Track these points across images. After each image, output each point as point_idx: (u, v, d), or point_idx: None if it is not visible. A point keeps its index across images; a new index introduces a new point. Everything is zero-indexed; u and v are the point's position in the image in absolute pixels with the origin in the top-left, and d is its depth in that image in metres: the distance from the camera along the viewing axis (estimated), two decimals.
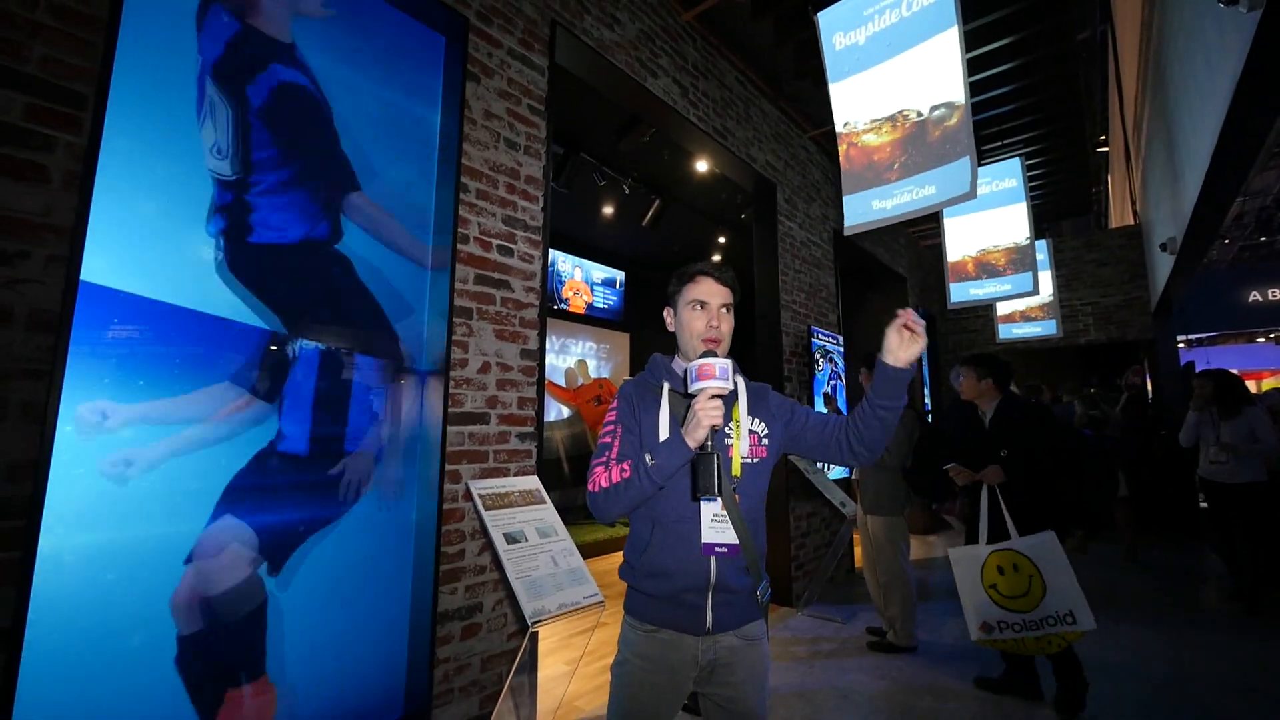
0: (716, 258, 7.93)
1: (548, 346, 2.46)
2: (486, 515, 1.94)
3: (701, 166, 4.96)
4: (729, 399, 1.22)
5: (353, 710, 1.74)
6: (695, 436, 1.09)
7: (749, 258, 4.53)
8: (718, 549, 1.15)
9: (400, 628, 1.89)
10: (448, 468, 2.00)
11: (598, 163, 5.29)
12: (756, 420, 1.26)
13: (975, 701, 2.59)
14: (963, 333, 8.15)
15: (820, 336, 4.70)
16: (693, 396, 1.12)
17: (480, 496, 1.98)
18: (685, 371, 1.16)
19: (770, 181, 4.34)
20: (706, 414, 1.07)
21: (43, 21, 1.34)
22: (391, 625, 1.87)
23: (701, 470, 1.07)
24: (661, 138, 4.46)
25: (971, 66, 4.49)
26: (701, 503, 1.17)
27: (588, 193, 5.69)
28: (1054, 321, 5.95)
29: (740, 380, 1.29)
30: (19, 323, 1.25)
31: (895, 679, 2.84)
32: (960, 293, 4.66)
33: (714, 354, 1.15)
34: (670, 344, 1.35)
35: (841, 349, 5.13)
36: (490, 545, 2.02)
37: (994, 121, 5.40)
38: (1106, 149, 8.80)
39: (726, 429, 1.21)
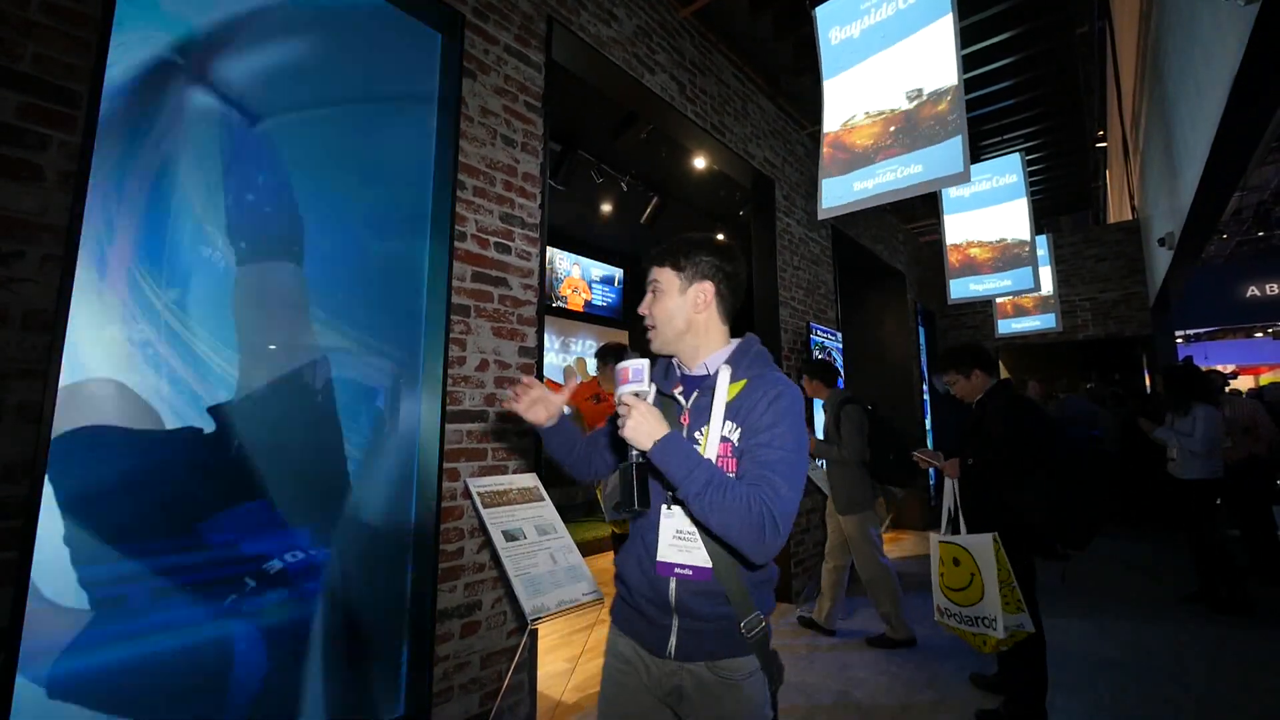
0: None
1: (546, 344, 2.45)
2: (485, 513, 1.94)
3: (700, 163, 4.95)
4: (708, 397, 1.07)
5: (353, 708, 1.74)
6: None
7: (748, 254, 4.52)
8: (678, 570, 1.02)
9: (400, 625, 1.89)
10: (446, 466, 1.99)
11: (595, 160, 5.28)
12: (735, 426, 1.04)
13: (975, 698, 2.60)
14: (961, 329, 8.15)
15: (819, 333, 4.70)
16: (666, 394, 1.10)
17: (479, 494, 1.98)
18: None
19: (769, 178, 4.33)
20: (621, 422, 0.96)
21: (35, 19, 1.33)
22: (391, 623, 1.87)
23: (621, 483, 0.97)
24: (659, 135, 4.45)
25: (971, 61, 4.50)
26: (661, 515, 1.05)
27: (586, 190, 5.68)
28: (1053, 315, 5.96)
29: (724, 371, 1.06)
30: (14, 323, 1.25)
31: (895, 674, 2.84)
32: (960, 289, 4.66)
33: (633, 354, 1.04)
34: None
35: (840, 345, 5.13)
36: (489, 543, 2.02)
37: (993, 117, 5.40)
38: (1105, 144, 8.80)
39: (698, 432, 1.06)
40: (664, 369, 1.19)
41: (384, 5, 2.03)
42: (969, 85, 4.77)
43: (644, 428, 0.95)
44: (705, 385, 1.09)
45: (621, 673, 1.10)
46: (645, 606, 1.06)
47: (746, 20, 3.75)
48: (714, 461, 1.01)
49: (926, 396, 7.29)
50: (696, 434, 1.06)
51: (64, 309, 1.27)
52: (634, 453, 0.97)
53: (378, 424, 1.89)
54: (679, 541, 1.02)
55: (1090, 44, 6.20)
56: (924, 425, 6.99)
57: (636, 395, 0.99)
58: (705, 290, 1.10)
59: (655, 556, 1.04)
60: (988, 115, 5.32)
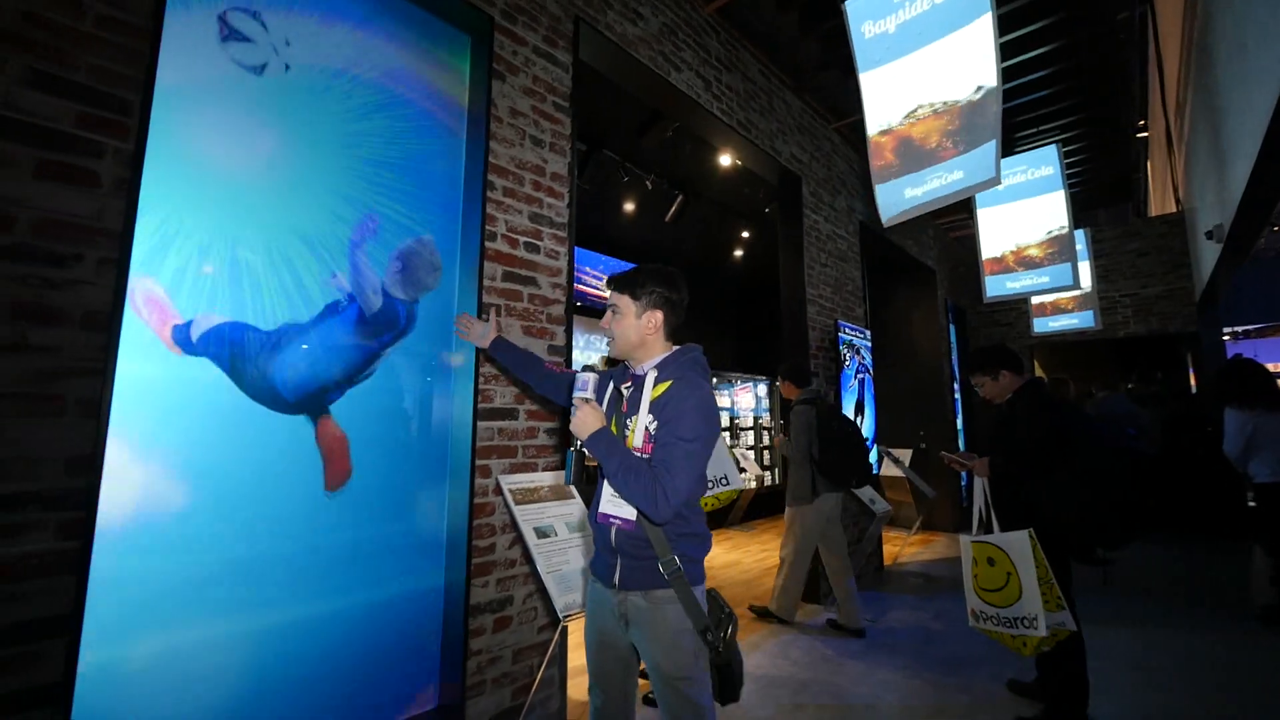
0: (739, 253, 7.88)
1: (572, 343, 2.47)
2: (517, 510, 1.96)
3: (725, 160, 4.92)
4: (638, 393, 1.38)
5: (390, 700, 1.78)
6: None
7: (774, 252, 4.48)
8: (612, 519, 1.34)
9: (434, 620, 1.93)
10: (478, 463, 2.02)
11: (620, 159, 5.29)
12: (652, 418, 1.34)
13: (1013, 704, 2.54)
14: (994, 326, 7.95)
15: (847, 331, 4.64)
16: (619, 387, 1.45)
17: (510, 491, 2.00)
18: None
19: (795, 174, 4.28)
20: (572, 418, 1.32)
21: (91, 32, 1.38)
22: (425, 617, 1.90)
23: (567, 464, 1.37)
24: (684, 133, 4.44)
25: (1006, 50, 4.37)
26: (604, 479, 1.35)
27: (610, 190, 5.70)
28: (1092, 313, 5.77)
29: (651, 375, 1.38)
30: (74, 322, 1.30)
31: (927, 679, 2.79)
32: (996, 286, 4.54)
33: (591, 368, 1.44)
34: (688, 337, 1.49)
35: (869, 343, 5.05)
36: (520, 539, 2.04)
37: (1029, 107, 5.25)
38: (1146, 134, 8.47)
39: (630, 419, 1.37)
40: (622, 369, 1.51)
41: (414, 9, 2.06)
42: (1005, 75, 4.65)
43: (582, 424, 1.31)
44: (640, 383, 1.40)
45: (595, 602, 1.44)
46: (600, 547, 1.41)
47: (772, 15, 3.71)
48: (641, 444, 1.32)
49: (958, 396, 7.13)
50: (629, 420, 1.38)
51: (119, 309, 1.32)
52: (577, 441, 1.33)
53: (410, 422, 1.92)
54: (614, 499, 1.33)
55: (1131, 30, 5.97)
56: (955, 425, 6.83)
57: (585, 400, 1.33)
58: (655, 317, 1.42)
59: (599, 509, 1.36)
60: (1023, 106, 5.17)
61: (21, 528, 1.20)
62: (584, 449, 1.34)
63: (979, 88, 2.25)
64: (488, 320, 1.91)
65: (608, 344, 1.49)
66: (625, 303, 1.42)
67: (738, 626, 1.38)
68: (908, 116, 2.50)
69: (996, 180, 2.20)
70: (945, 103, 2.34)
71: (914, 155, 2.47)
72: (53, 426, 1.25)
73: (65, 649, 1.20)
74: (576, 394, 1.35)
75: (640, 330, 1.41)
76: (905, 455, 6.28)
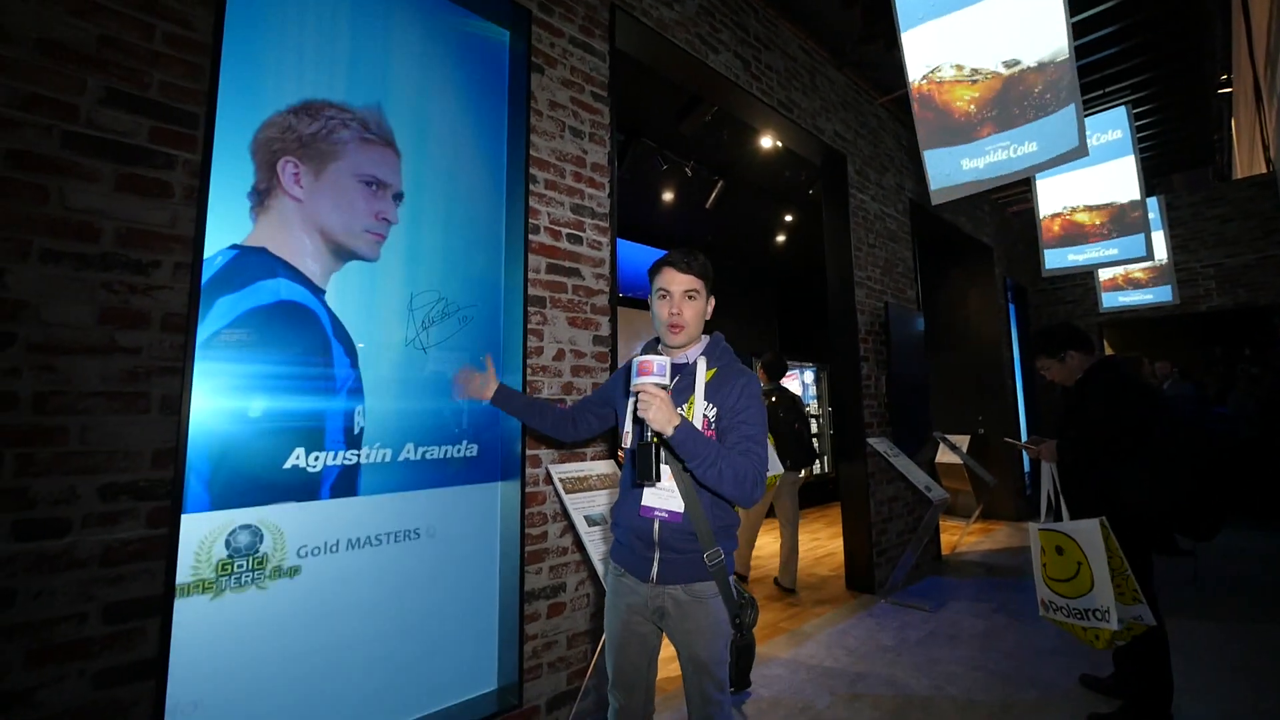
0: (782, 237, 7.71)
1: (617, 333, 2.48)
2: (567, 498, 1.99)
3: (766, 143, 4.81)
4: (688, 380, 1.37)
5: (449, 682, 1.85)
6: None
7: (818, 235, 4.36)
8: (657, 513, 1.32)
9: (490, 605, 1.98)
10: (528, 452, 2.06)
11: (658, 147, 5.25)
12: (711, 405, 1.35)
13: (1087, 700, 2.42)
14: (1059, 304, 7.50)
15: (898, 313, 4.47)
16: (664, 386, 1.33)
17: (560, 480, 2.04)
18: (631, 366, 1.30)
19: (839, 153, 4.14)
20: (644, 409, 1.20)
21: (160, 50, 1.47)
22: (482, 602, 1.96)
23: (640, 460, 1.22)
24: (723, 117, 4.36)
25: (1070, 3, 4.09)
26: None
27: (650, 178, 5.66)
28: (1169, 287, 5.36)
29: (701, 361, 1.39)
30: (155, 325, 1.39)
31: (992, 671, 2.69)
32: (1057, 259, 4.27)
33: (656, 350, 1.35)
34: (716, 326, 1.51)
35: (922, 327, 4.86)
36: (571, 527, 2.07)
37: (1095, 67, 4.89)
38: (1230, 90, 7.76)
39: (680, 408, 1.34)
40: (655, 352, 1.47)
41: (454, 7, 2.09)
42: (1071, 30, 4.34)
43: (663, 415, 1.21)
44: (686, 371, 1.40)
45: (621, 597, 1.41)
46: (634, 543, 1.37)
47: None
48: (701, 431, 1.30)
49: (1019, 378, 6.79)
50: (680, 408, 1.35)
51: (194, 312, 1.41)
52: (649, 433, 1.22)
53: (463, 414, 1.97)
54: (660, 491, 1.33)
55: None
56: (1015, 409, 6.51)
57: (664, 387, 1.24)
58: (712, 302, 1.45)
59: (642, 502, 1.34)
60: (1089, 65, 4.82)
61: (118, 516, 1.30)
62: (666, 441, 1.24)
63: (1047, 45, 2.09)
64: (485, 370, 1.86)
65: (671, 331, 1.38)
66: (700, 288, 1.40)
67: (758, 612, 1.43)
68: (963, 79, 2.33)
69: (1084, 151, 2.01)
70: (1008, 63, 2.18)
71: (973, 121, 2.31)
72: (139, 422, 1.35)
73: (160, 627, 1.30)
74: (649, 379, 1.22)
75: (704, 316, 1.43)
76: (963, 442, 6.05)
